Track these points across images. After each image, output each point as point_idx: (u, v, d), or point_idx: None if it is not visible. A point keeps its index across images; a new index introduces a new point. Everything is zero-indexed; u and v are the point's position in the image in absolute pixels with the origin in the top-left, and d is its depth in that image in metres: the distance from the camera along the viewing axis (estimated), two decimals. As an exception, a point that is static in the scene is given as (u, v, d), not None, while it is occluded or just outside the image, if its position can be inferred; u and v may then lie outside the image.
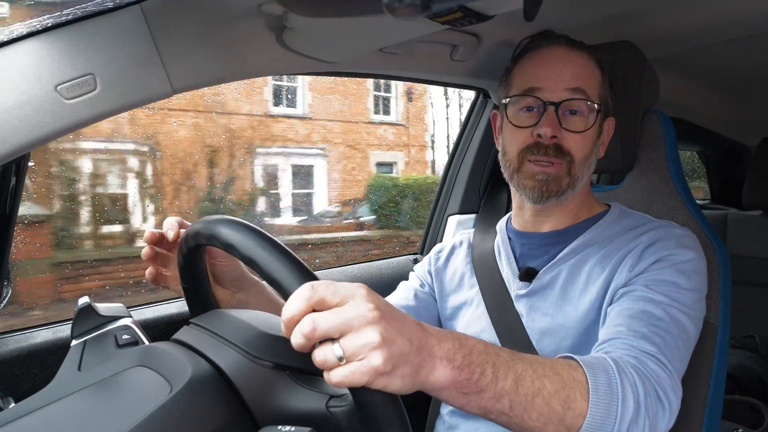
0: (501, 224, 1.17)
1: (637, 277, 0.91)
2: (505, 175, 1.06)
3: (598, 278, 0.95)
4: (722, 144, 2.75)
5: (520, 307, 1.03)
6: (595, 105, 0.98)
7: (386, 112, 8.82)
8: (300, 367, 0.67)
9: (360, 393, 0.56)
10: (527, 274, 1.04)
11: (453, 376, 0.61)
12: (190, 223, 0.84)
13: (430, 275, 1.22)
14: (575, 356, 0.75)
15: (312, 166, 7.51)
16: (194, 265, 0.84)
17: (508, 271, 1.08)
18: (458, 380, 0.61)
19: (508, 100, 1.03)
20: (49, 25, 0.74)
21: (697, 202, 1.14)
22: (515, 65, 1.06)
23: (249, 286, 0.97)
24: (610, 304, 0.92)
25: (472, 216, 1.68)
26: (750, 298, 2.03)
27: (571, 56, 1.00)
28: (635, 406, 0.72)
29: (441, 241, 1.71)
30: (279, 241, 0.62)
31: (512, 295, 1.05)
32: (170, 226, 0.91)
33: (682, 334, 0.85)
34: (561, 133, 0.97)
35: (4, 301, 1.02)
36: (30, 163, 1.00)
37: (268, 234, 0.64)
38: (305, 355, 0.58)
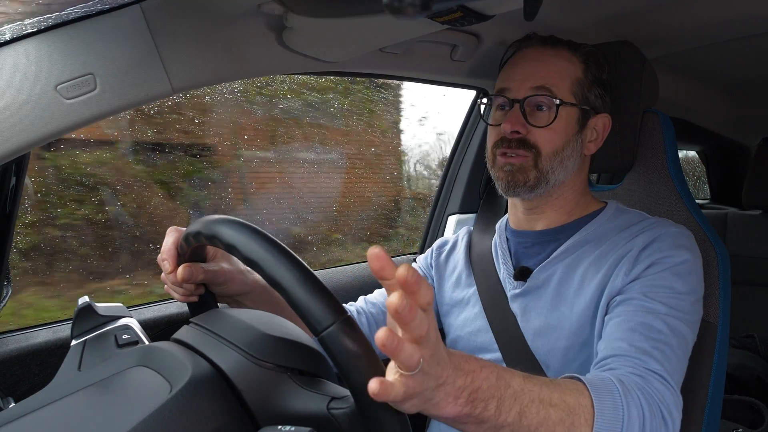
0: (500, 223, 1.18)
1: (632, 282, 0.90)
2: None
3: (593, 279, 0.95)
4: (722, 144, 2.75)
5: (515, 306, 1.04)
6: (556, 100, 0.99)
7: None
8: (301, 368, 0.67)
9: (366, 397, 0.56)
10: (522, 274, 1.04)
11: (455, 412, 0.60)
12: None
13: (432, 268, 1.22)
14: (582, 378, 0.75)
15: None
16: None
17: (504, 270, 1.08)
18: (459, 414, 0.61)
19: (486, 100, 1.10)
20: (49, 25, 0.74)
21: (697, 202, 1.14)
22: (500, 71, 1.10)
23: (244, 298, 0.95)
24: (606, 313, 0.91)
25: (472, 216, 1.68)
26: (750, 298, 2.04)
27: (541, 56, 1.04)
28: (640, 429, 0.73)
29: (441, 241, 1.71)
30: (281, 242, 0.62)
31: (508, 294, 1.05)
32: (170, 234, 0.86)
33: (681, 344, 0.85)
34: (527, 128, 1.00)
35: (5, 301, 1.02)
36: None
37: (270, 235, 0.63)
38: (306, 357, 0.57)
